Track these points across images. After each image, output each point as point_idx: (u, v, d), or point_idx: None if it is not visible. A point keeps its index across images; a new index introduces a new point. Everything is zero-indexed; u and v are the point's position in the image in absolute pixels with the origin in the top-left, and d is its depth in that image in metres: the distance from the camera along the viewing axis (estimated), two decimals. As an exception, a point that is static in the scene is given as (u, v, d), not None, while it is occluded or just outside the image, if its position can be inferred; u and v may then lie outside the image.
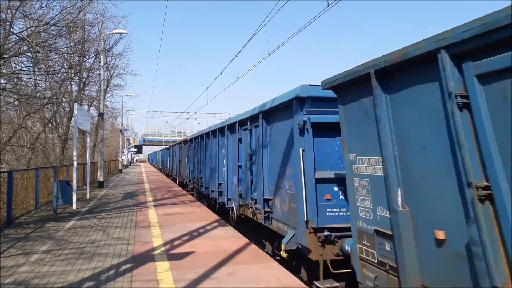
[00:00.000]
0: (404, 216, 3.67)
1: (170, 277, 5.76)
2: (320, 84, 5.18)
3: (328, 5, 7.22)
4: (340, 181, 6.25)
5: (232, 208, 10.68)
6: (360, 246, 4.50)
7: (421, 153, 3.54)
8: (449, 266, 3.25)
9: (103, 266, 6.35)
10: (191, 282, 5.54)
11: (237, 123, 10.34)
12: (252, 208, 8.94)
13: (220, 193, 12.63)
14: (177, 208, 13.39)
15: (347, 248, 5.74)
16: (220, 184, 12.64)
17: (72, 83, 25.63)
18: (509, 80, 2.66)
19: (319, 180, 6.23)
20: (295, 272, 6.81)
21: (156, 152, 69.32)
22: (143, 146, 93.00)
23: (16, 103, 16.66)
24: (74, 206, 13.43)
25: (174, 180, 28.23)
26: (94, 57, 26.29)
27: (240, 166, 10.14)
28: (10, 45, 13.79)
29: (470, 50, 2.91)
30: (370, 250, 4.33)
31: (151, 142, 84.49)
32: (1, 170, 14.34)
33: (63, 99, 23.07)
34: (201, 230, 9.37)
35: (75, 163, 14.15)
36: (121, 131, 51.18)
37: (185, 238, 8.56)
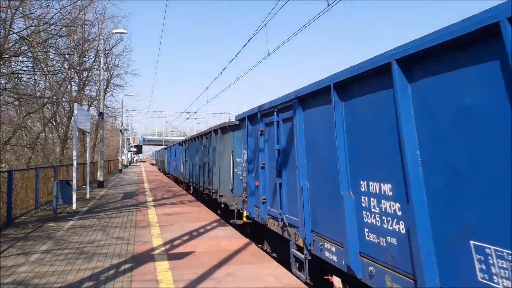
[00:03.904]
0: None
1: (170, 277, 5.76)
2: None
3: (328, 5, 7.23)
4: None
5: None
6: None
7: None
8: None
9: (102, 266, 6.35)
10: (191, 282, 5.55)
11: None
12: None
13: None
14: (177, 208, 13.39)
15: None
16: None
17: (72, 82, 25.69)
18: None
19: None
20: None
21: (173, 146, 31.25)
22: (143, 146, 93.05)
23: (16, 102, 16.67)
24: (74, 206, 13.43)
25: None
26: (94, 57, 26.35)
27: None
28: (10, 44, 13.81)
29: None
30: None
31: (151, 142, 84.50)
32: (1, 169, 14.34)
33: (63, 98, 23.08)
34: (201, 230, 9.37)
35: (75, 163, 14.15)
36: (121, 130, 51.20)
37: (185, 238, 8.57)
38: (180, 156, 24.00)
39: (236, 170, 11.01)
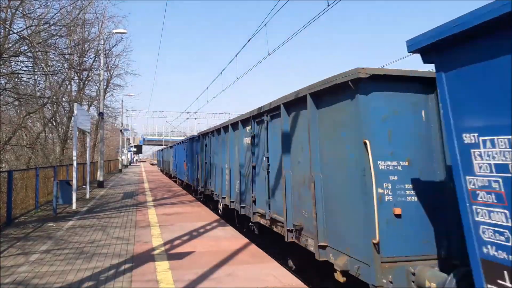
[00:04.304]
0: None
1: (170, 277, 5.76)
2: None
3: (328, 5, 7.24)
4: None
5: None
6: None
7: None
8: None
9: (102, 266, 6.35)
10: (191, 282, 5.54)
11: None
12: None
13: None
14: (177, 208, 13.39)
15: None
16: None
17: (72, 82, 25.70)
18: None
19: None
20: None
21: (182, 144, 23.97)
22: (143, 146, 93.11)
23: (16, 102, 16.67)
24: (73, 206, 13.42)
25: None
26: (94, 57, 26.36)
27: None
28: (10, 44, 13.82)
29: None
30: None
31: (151, 142, 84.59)
32: (1, 169, 14.34)
33: (63, 98, 23.09)
34: (201, 230, 9.37)
35: (75, 163, 14.15)
36: (121, 130, 51.22)
37: (184, 238, 8.57)
38: (194, 156, 18.40)
39: (381, 191, 4.60)
